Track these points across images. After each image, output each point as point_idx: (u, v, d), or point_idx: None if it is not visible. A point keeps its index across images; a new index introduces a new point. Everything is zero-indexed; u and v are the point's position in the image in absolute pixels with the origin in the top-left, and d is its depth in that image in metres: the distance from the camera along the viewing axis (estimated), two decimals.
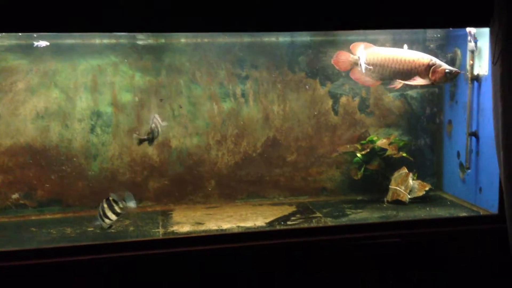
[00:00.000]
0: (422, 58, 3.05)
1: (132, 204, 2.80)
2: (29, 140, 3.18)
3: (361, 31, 3.33)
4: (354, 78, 3.20)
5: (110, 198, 2.77)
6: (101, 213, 2.77)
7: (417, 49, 3.41)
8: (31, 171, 3.20)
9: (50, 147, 3.21)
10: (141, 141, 3.00)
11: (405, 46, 3.25)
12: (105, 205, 2.76)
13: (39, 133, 3.19)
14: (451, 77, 3.03)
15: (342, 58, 3.16)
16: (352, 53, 3.15)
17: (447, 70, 3.00)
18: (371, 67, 3.06)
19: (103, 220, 2.77)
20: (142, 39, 3.19)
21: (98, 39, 3.18)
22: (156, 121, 3.00)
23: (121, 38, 3.20)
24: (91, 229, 2.92)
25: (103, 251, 2.55)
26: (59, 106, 3.20)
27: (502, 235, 2.79)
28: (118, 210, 2.77)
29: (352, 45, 3.15)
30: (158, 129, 2.99)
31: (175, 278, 2.62)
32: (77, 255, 2.52)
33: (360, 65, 3.10)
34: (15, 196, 3.19)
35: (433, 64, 3.02)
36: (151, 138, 2.98)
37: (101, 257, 2.52)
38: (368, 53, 3.11)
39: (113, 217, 2.78)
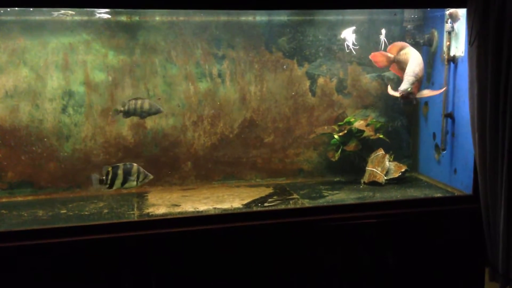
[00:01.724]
0: None
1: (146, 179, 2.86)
2: None
3: (340, 11, 3.30)
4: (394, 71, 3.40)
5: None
6: (121, 177, 2.78)
7: (394, 30, 3.42)
8: (0, 152, 3.10)
9: (20, 127, 3.11)
10: (119, 112, 2.98)
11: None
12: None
13: (8, 112, 3.09)
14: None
15: (380, 57, 3.29)
16: (390, 53, 3.30)
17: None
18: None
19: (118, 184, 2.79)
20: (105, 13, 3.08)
21: (69, 16, 3.07)
22: (148, 102, 2.99)
23: (93, 14, 3.09)
24: (64, 211, 2.85)
25: (77, 233, 2.50)
26: (29, 85, 3.09)
27: (476, 215, 2.84)
28: (134, 182, 2.81)
29: (390, 46, 3.28)
30: (141, 108, 2.96)
31: (151, 261, 2.59)
32: (49, 237, 2.47)
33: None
34: None
35: None
36: (125, 110, 2.96)
37: (74, 240, 2.47)
38: (402, 53, 3.25)
39: (133, 184, 2.81)
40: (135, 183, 2.82)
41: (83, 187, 3.23)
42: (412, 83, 3.08)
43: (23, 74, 3.07)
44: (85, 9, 2.96)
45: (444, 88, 3.17)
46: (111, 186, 2.80)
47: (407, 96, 3.09)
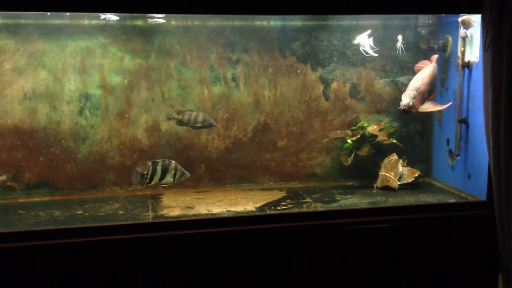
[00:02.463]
0: None
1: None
2: (17, 121, 3.13)
3: (354, 16, 3.32)
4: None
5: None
6: (159, 173, 2.85)
7: (408, 35, 3.43)
8: (18, 153, 3.16)
9: (38, 129, 3.17)
10: (171, 118, 3.08)
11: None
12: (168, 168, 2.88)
13: (26, 114, 3.14)
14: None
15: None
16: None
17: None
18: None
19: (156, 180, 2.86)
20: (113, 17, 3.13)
21: (87, 20, 3.12)
22: (203, 115, 3.08)
23: (111, 19, 3.14)
24: (80, 212, 2.89)
25: (93, 234, 2.54)
26: (47, 88, 3.15)
27: (490, 221, 2.82)
28: (171, 179, 2.90)
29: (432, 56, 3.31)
30: (195, 120, 3.05)
31: (165, 262, 2.62)
32: (66, 238, 2.50)
33: None
34: (2, 178, 3.14)
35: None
36: (179, 119, 3.06)
37: (90, 240, 2.51)
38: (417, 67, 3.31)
39: (169, 180, 2.88)
40: (172, 179, 2.88)
41: (99, 188, 3.28)
42: (413, 97, 3.09)
43: (42, 76, 3.13)
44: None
45: (448, 104, 3.18)
46: (150, 181, 2.87)
47: (409, 111, 3.10)
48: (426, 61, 3.30)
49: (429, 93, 3.21)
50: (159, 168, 2.86)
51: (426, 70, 3.23)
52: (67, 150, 3.22)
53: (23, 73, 3.11)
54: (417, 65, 3.31)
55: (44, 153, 3.19)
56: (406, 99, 3.10)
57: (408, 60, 3.52)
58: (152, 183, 2.88)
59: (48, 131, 3.18)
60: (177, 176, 2.89)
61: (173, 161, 2.92)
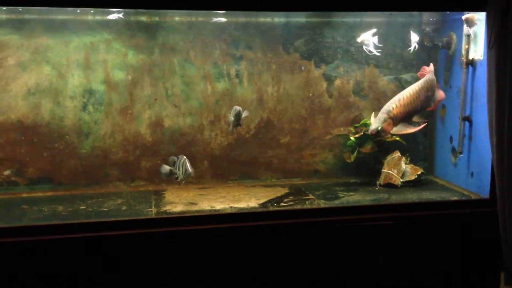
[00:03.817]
0: None
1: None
2: (20, 116, 3.14)
3: (358, 13, 3.31)
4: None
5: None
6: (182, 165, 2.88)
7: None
8: (22, 148, 3.16)
9: (41, 124, 3.17)
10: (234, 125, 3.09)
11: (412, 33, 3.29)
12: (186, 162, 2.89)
13: (30, 109, 3.15)
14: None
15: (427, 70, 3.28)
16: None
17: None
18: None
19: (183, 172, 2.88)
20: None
21: (91, 15, 3.12)
22: (238, 109, 3.05)
23: (114, 15, 3.14)
24: (83, 207, 2.90)
25: (96, 229, 2.55)
26: (51, 83, 3.15)
27: (492, 219, 2.83)
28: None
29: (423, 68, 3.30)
30: (237, 115, 3.05)
31: (167, 257, 2.63)
32: (69, 233, 2.51)
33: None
34: (6, 172, 3.15)
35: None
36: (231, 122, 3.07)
37: (94, 235, 2.52)
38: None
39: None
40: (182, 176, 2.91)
41: (102, 184, 3.28)
42: (383, 121, 3.09)
43: (45, 72, 3.13)
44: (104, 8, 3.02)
45: (423, 125, 3.20)
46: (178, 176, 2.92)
47: (378, 135, 3.12)
48: (426, 68, 3.28)
49: (414, 111, 3.19)
50: (182, 163, 2.89)
51: (410, 89, 3.21)
52: (70, 145, 3.22)
53: (27, 68, 3.11)
54: (419, 73, 3.30)
55: (47, 149, 3.19)
56: (375, 123, 3.12)
57: (412, 58, 3.52)
58: (179, 178, 2.90)
59: (51, 127, 3.18)
60: (185, 172, 2.90)
61: (184, 156, 2.94)
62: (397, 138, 3.40)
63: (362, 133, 3.42)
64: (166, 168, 2.95)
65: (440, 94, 3.28)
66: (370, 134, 3.14)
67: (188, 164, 2.89)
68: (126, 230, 2.58)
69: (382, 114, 3.13)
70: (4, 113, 3.12)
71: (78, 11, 3.02)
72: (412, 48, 3.30)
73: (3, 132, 3.13)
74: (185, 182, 3.14)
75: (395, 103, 3.14)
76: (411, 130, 3.18)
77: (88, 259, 2.55)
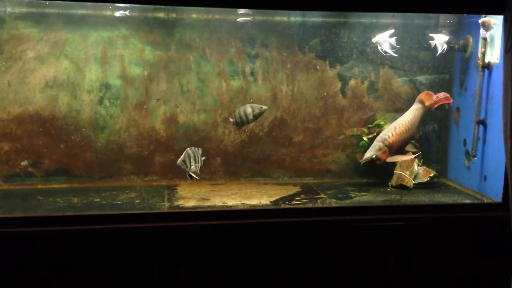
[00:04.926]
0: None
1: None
2: (38, 109, 3.19)
3: (374, 14, 3.32)
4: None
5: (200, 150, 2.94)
6: (198, 158, 2.91)
7: (429, 35, 3.42)
8: (39, 140, 3.22)
9: (58, 117, 3.22)
10: (233, 123, 3.13)
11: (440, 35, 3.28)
12: (199, 153, 2.93)
13: (47, 102, 3.20)
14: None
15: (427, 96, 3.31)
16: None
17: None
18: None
19: (196, 165, 2.91)
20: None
21: (110, 11, 3.16)
22: (250, 106, 3.09)
23: (132, 10, 3.18)
24: (97, 200, 2.94)
25: (110, 221, 2.58)
26: (68, 77, 3.20)
27: (505, 223, 2.81)
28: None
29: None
30: (245, 114, 3.07)
31: (179, 251, 2.65)
32: (83, 224, 2.55)
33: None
34: (24, 163, 3.21)
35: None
36: (236, 122, 3.10)
37: (108, 227, 2.55)
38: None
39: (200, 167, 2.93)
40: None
41: (116, 177, 3.33)
42: (378, 150, 3.12)
43: (63, 65, 3.18)
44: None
45: (416, 154, 3.23)
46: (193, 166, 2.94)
47: (372, 163, 3.14)
48: (430, 93, 3.30)
49: (409, 139, 3.25)
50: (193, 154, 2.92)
51: (405, 117, 3.25)
52: (86, 138, 3.27)
53: (45, 61, 3.16)
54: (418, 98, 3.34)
55: (63, 141, 3.24)
56: (369, 152, 3.15)
57: (428, 60, 3.51)
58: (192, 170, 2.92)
59: (68, 120, 3.23)
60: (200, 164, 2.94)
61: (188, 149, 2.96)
62: (412, 141, 3.40)
63: (375, 134, 3.42)
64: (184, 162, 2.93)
65: None
66: (363, 162, 3.16)
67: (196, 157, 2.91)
68: (139, 223, 2.61)
69: (377, 143, 3.16)
70: (22, 105, 3.17)
71: (87, 6, 3.06)
72: (440, 49, 3.27)
73: (21, 123, 3.18)
74: (197, 179, 3.18)
75: (391, 131, 3.19)
76: (406, 158, 3.22)
77: (100, 250, 2.59)
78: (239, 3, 2.78)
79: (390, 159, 3.17)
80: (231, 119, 3.17)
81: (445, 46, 3.27)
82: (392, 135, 3.17)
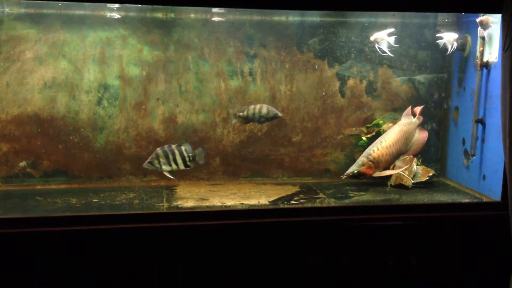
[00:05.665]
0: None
1: (201, 161, 2.90)
2: (36, 109, 3.19)
3: (373, 13, 3.31)
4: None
5: (183, 148, 2.83)
6: (170, 157, 2.82)
7: (427, 34, 3.42)
8: (37, 140, 3.21)
9: (57, 118, 3.22)
10: (238, 117, 3.11)
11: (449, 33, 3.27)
12: (176, 151, 2.84)
13: (46, 103, 3.20)
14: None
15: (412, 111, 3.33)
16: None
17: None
18: None
19: (170, 165, 2.84)
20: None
21: (108, 11, 3.16)
22: (266, 107, 3.10)
23: (130, 10, 3.18)
24: (96, 200, 2.94)
25: (109, 222, 2.58)
26: (67, 77, 3.20)
27: (504, 222, 2.81)
28: (188, 162, 2.87)
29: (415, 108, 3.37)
30: (260, 113, 3.08)
31: (178, 251, 2.65)
32: (82, 225, 2.55)
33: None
34: (22, 164, 3.21)
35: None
36: (244, 116, 3.08)
37: (106, 228, 2.55)
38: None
39: (181, 166, 2.86)
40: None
41: (115, 178, 3.32)
42: (361, 165, 3.12)
43: (62, 66, 3.18)
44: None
45: (404, 168, 3.20)
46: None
47: (356, 177, 3.13)
48: (417, 108, 3.32)
49: (398, 153, 3.22)
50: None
51: (391, 131, 3.24)
52: (84, 139, 3.26)
53: (44, 62, 3.16)
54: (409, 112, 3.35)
55: (62, 142, 3.24)
56: (352, 167, 3.15)
57: (426, 59, 3.51)
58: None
59: (66, 120, 3.23)
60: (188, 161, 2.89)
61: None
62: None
63: (374, 133, 3.42)
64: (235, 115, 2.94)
65: (423, 135, 3.31)
66: (344, 178, 3.15)
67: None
68: (138, 224, 2.61)
69: (361, 158, 3.16)
70: (21, 105, 3.17)
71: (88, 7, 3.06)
72: (450, 48, 3.26)
73: (19, 124, 3.18)
74: (197, 179, 3.18)
75: (376, 146, 3.18)
76: (392, 172, 3.23)
77: (99, 251, 2.58)
78: (239, 3, 2.78)
79: (377, 174, 3.16)
80: (240, 113, 3.14)
81: (455, 44, 3.26)
82: (378, 149, 3.15)
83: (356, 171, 3.11)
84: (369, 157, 3.13)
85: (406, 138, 3.25)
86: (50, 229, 2.52)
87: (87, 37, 3.18)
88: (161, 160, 2.86)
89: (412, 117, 3.31)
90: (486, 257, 2.94)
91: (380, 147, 3.17)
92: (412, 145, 3.27)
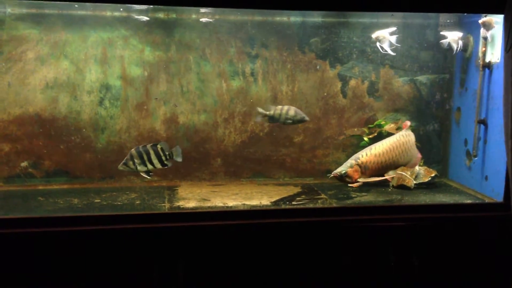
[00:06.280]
0: None
1: (179, 158, 2.84)
2: (38, 110, 3.19)
3: (375, 13, 3.31)
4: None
5: (159, 147, 2.79)
6: (145, 157, 2.79)
7: (429, 34, 3.41)
8: (39, 141, 3.21)
9: (58, 118, 3.22)
10: (264, 115, 3.08)
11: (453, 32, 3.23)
12: (152, 151, 2.81)
13: (48, 103, 3.20)
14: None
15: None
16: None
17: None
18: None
19: (146, 165, 2.81)
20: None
21: (109, 11, 3.16)
22: (294, 109, 3.09)
23: (132, 11, 3.18)
24: (98, 200, 2.94)
25: (110, 222, 2.58)
26: (69, 77, 3.20)
27: (506, 223, 2.81)
28: (165, 161, 2.83)
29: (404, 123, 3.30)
30: (286, 115, 3.07)
31: (179, 251, 2.65)
32: (84, 225, 2.55)
33: None
34: (24, 164, 3.21)
35: None
36: (270, 116, 3.07)
37: (108, 228, 2.55)
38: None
39: (158, 165, 2.82)
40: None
41: (117, 178, 3.32)
42: (350, 167, 3.07)
43: (64, 66, 3.18)
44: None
45: (384, 178, 3.16)
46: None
47: (342, 179, 3.08)
48: (408, 123, 3.27)
49: (388, 165, 3.14)
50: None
51: (385, 141, 3.18)
52: (86, 139, 3.26)
53: (45, 62, 3.16)
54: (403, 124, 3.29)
55: (64, 142, 3.24)
56: (340, 167, 3.10)
57: (428, 59, 3.51)
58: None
59: (68, 120, 3.23)
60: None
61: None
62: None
63: (375, 134, 3.42)
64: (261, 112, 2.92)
65: (417, 156, 3.25)
66: (331, 177, 3.11)
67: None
68: (139, 224, 2.61)
69: (350, 160, 3.12)
70: (23, 106, 3.17)
71: (89, 7, 3.06)
72: (455, 47, 3.24)
73: (21, 124, 3.18)
74: (198, 179, 3.17)
75: (366, 151, 3.14)
76: (378, 179, 3.16)
77: (101, 251, 2.58)
78: (240, 3, 2.77)
79: (362, 179, 3.11)
80: (267, 112, 3.12)
81: (460, 43, 3.24)
82: (367, 155, 3.11)
83: (343, 172, 3.07)
84: (358, 160, 3.09)
85: (404, 150, 3.17)
86: (52, 230, 2.52)
87: (88, 38, 3.18)
88: (136, 160, 2.83)
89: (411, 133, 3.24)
90: (488, 258, 2.94)
91: (369, 153, 3.12)
92: (410, 158, 3.21)
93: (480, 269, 2.94)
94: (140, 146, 2.91)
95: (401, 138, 3.19)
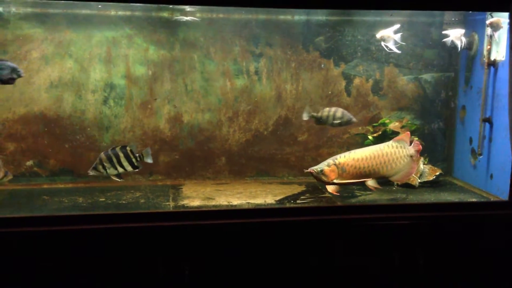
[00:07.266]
0: None
1: (149, 160, 2.81)
2: (43, 109, 3.20)
3: (379, 11, 3.30)
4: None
5: (128, 149, 2.76)
6: (115, 160, 2.75)
7: (434, 32, 3.40)
8: (44, 140, 3.22)
9: (63, 117, 3.22)
10: (311, 116, 3.13)
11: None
12: (121, 154, 2.78)
13: (52, 102, 3.20)
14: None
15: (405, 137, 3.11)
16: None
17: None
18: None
19: (116, 168, 2.78)
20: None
21: (114, 11, 3.16)
22: (341, 111, 3.11)
23: (136, 10, 3.18)
24: (103, 199, 2.95)
25: (115, 221, 2.58)
26: (73, 77, 3.20)
27: (511, 221, 2.80)
28: (135, 163, 2.81)
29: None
30: (334, 117, 3.10)
31: (184, 250, 2.65)
32: (89, 224, 2.55)
33: None
34: (29, 163, 3.22)
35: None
36: (318, 117, 3.10)
37: (113, 227, 2.55)
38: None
39: (129, 168, 2.80)
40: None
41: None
42: (327, 166, 2.96)
43: (68, 65, 3.19)
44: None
45: (362, 181, 3.05)
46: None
47: (317, 176, 2.99)
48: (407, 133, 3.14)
49: (369, 172, 3.00)
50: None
51: (372, 146, 3.07)
52: (91, 138, 3.27)
53: (50, 61, 3.16)
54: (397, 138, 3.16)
55: (68, 141, 3.25)
56: (319, 165, 3.00)
57: (433, 58, 3.50)
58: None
59: (73, 119, 3.24)
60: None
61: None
62: (416, 138, 3.37)
63: (380, 133, 3.41)
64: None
65: (412, 166, 3.07)
66: (307, 172, 3.02)
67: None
68: (144, 223, 2.61)
69: (329, 159, 3.03)
70: (27, 105, 3.18)
71: (100, 6, 3.07)
72: (459, 44, 3.20)
73: (26, 123, 3.19)
74: (202, 178, 3.15)
75: (345, 154, 3.02)
76: (351, 181, 3.03)
77: (106, 250, 2.58)
78: (241, 2, 2.78)
79: (338, 181, 2.99)
80: (315, 114, 3.14)
81: (463, 39, 3.22)
82: (345, 157, 3.00)
83: (320, 170, 2.97)
84: (335, 160, 2.99)
85: (387, 161, 3.03)
86: (57, 228, 2.52)
87: (93, 37, 3.19)
88: (106, 164, 2.81)
89: (407, 144, 3.07)
90: (493, 256, 2.93)
91: (348, 156, 3.01)
92: (397, 171, 3.07)
93: (485, 268, 2.93)
94: (109, 149, 2.88)
95: (385, 148, 3.03)
